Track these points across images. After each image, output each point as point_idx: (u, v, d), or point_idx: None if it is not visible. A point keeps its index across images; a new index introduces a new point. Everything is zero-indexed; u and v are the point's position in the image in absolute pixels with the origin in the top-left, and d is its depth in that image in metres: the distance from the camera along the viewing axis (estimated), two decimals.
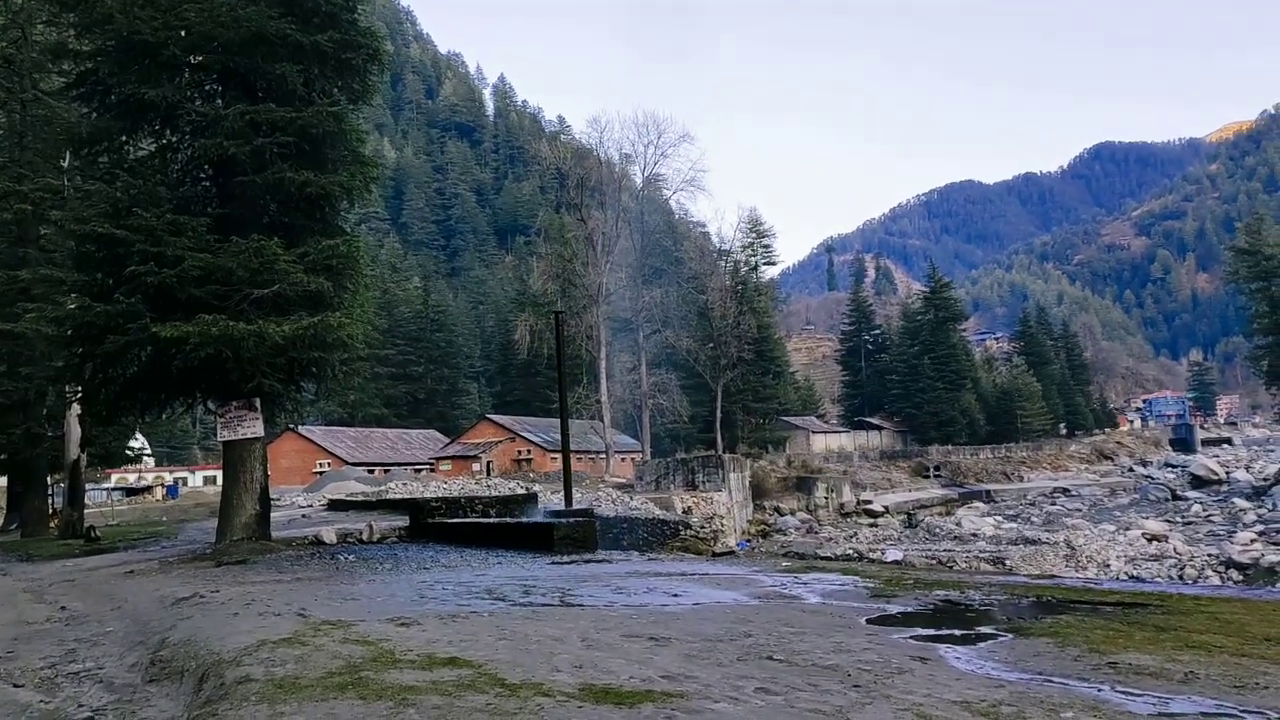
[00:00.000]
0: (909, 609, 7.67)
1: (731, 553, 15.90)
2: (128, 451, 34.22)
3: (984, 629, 6.53)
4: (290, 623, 7.47)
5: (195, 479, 77.86)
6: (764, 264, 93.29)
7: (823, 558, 21.89)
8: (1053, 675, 5.12)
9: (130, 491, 57.79)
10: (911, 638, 6.37)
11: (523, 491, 27.35)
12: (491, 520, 17.10)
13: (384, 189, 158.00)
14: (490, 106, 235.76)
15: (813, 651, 5.88)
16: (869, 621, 7.15)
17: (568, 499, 17.48)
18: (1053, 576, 14.52)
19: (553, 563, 12.53)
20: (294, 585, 10.62)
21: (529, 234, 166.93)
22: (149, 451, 60.46)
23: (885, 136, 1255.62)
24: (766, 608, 8.00)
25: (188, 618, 8.30)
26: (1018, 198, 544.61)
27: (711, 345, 72.57)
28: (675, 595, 8.87)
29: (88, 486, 35.64)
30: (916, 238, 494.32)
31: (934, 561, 33.72)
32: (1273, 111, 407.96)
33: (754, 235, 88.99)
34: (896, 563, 32.72)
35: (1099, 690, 4.80)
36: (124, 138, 16.59)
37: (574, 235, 69.53)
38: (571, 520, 14.98)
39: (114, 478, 64.06)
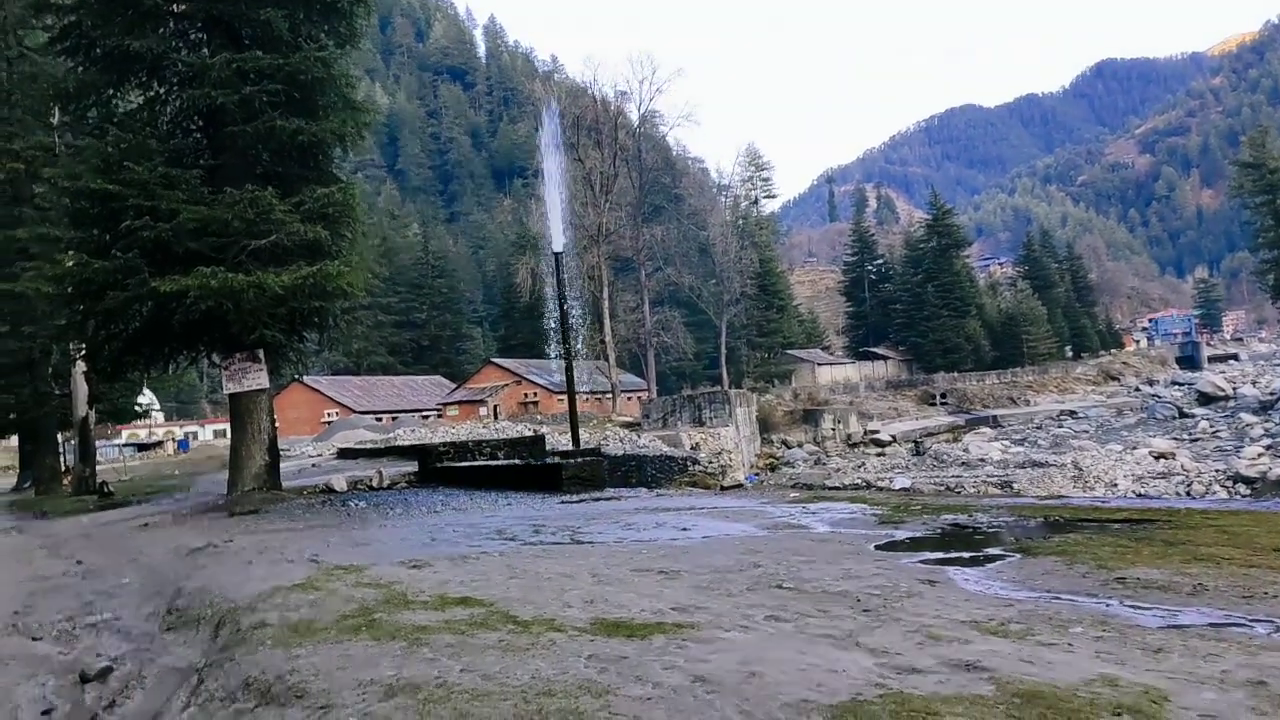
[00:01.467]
0: (917, 534, 7.71)
1: (740, 486, 15.98)
2: (136, 407, 34.26)
3: (992, 550, 6.56)
4: (304, 569, 7.54)
5: (205, 433, 78.32)
6: (764, 197, 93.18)
7: (831, 488, 21.98)
8: (1060, 592, 5.15)
9: (142, 447, 58.15)
10: (920, 562, 6.41)
11: (530, 434, 27.45)
12: (499, 462, 17.18)
13: (378, 136, 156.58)
14: (482, 48, 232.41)
15: (821, 578, 5.92)
16: (877, 548, 7.20)
17: (575, 439, 17.53)
18: (1060, 496, 14.61)
19: (562, 502, 12.61)
20: (306, 532, 10.71)
21: (526, 176, 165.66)
22: (158, 407, 60.66)
23: (882, 63, 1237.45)
24: (775, 538, 8.04)
25: (202, 567, 8.38)
26: (1019, 120, 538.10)
27: (714, 281, 72.36)
28: (684, 529, 8.92)
29: (99, 443, 35.90)
30: (917, 165, 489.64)
31: (942, 488, 33.90)
32: (1276, 21, 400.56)
33: (753, 169, 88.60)
34: (905, 490, 32.89)
35: (1107, 605, 4.82)
36: (111, 91, 16.30)
37: (572, 175, 68.94)
38: (579, 460, 15.05)
39: (125, 434, 64.41)
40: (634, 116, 67.47)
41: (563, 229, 18.38)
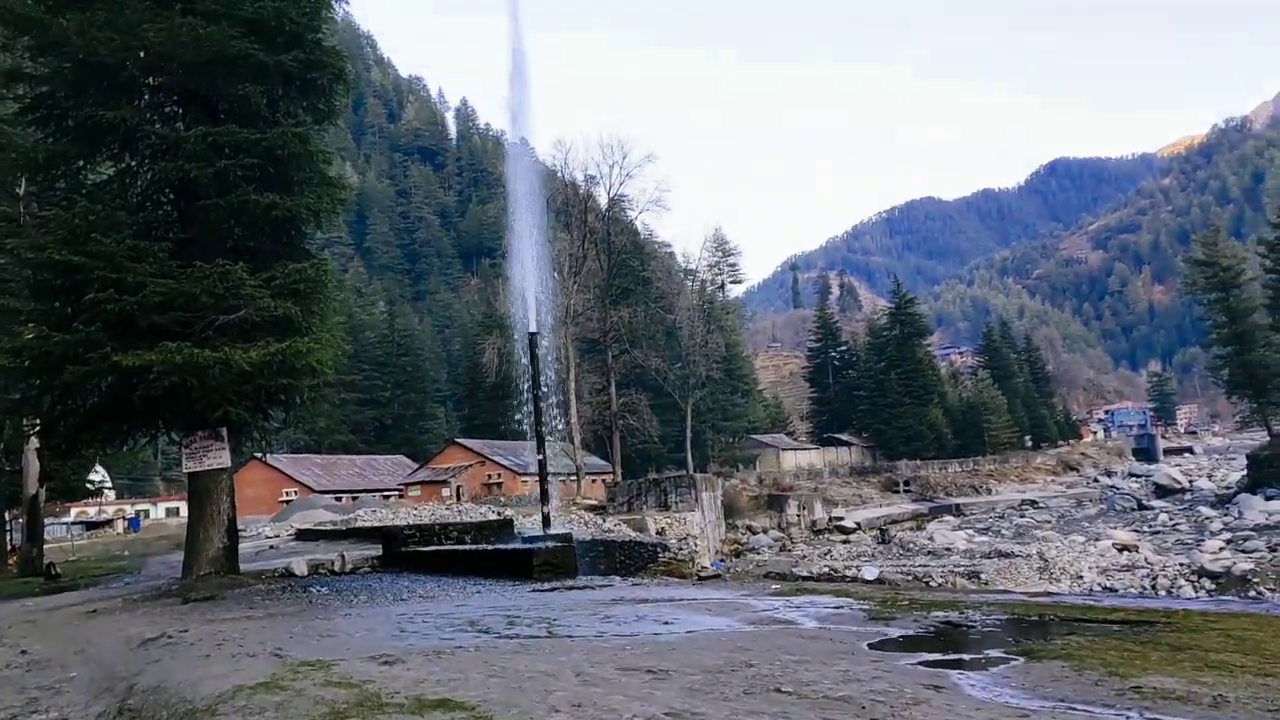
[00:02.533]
0: (909, 632, 7.44)
1: (718, 576, 15.62)
2: (88, 485, 33.33)
3: (992, 652, 6.31)
4: (266, 664, 7.10)
5: (157, 511, 76.32)
6: (730, 282, 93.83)
7: (802, 577, 21.67)
8: (1075, 702, 4.90)
9: (90, 525, 56.45)
10: (919, 664, 6.14)
11: (497, 517, 26.91)
12: (467, 547, 16.71)
13: (348, 214, 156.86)
14: (453, 130, 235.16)
15: (820, 682, 5.63)
16: (871, 646, 6.92)
17: (545, 523, 17.12)
18: (1051, 594, 14.38)
19: (534, 590, 12.20)
20: (266, 622, 10.21)
21: (494, 257, 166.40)
22: (109, 484, 59.11)
23: (846, 154, 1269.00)
24: (763, 634, 7.74)
25: (156, 660, 7.90)
26: (977, 214, 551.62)
27: (680, 364, 72.45)
28: (666, 623, 8.59)
29: (46, 521, 34.70)
30: (879, 254, 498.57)
31: (910, 577, 33.61)
32: (1222, 125, 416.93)
33: (720, 254, 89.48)
34: (880, 582, 32.57)
35: (1127, 717, 4.58)
36: (82, 162, 16.08)
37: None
38: (550, 545, 14.65)
39: (74, 511, 62.60)
40: (603, 200, 68.17)
41: (536, 309, 18.21)
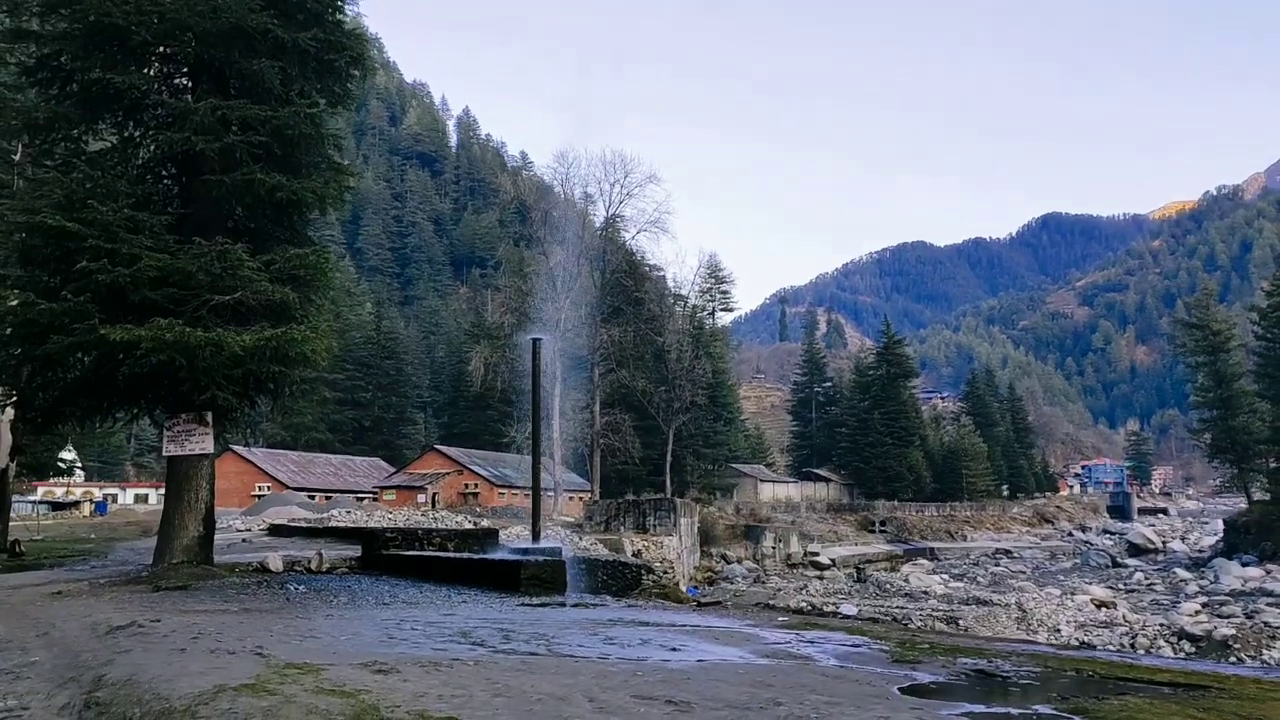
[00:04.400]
0: (940, 678, 6.94)
1: (719, 604, 15.10)
2: (60, 463, 32.47)
3: (1042, 709, 5.82)
4: (248, 664, 6.54)
5: (126, 496, 75.03)
6: (721, 310, 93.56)
7: (791, 609, 21.11)
8: None
9: (57, 506, 55.22)
10: (965, 715, 5.64)
11: (483, 526, 26.26)
12: (451, 555, 16.11)
13: (342, 212, 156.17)
14: (453, 138, 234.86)
15: None
16: (902, 691, 6.41)
17: (535, 535, 16.55)
18: (1083, 646, 13.92)
19: (523, 604, 11.64)
20: (243, 617, 9.63)
21: (485, 266, 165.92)
22: (80, 465, 57.95)
23: (841, 194, 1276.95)
24: (780, 669, 7.22)
25: (126, 651, 7.31)
26: (967, 261, 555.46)
27: (665, 388, 71.94)
28: (674, 649, 8.06)
29: (12, 498, 33.81)
30: (867, 294, 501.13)
31: (889, 619, 33.12)
32: (1214, 193, 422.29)
33: (713, 281, 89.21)
34: (851, 617, 32.11)
35: None
36: (83, 127, 15.50)
37: (534, 270, 68.84)
38: (540, 560, 14.08)
39: (40, 490, 61.36)
40: (600, 217, 67.84)
41: (531, 320, 17.76)
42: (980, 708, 5.89)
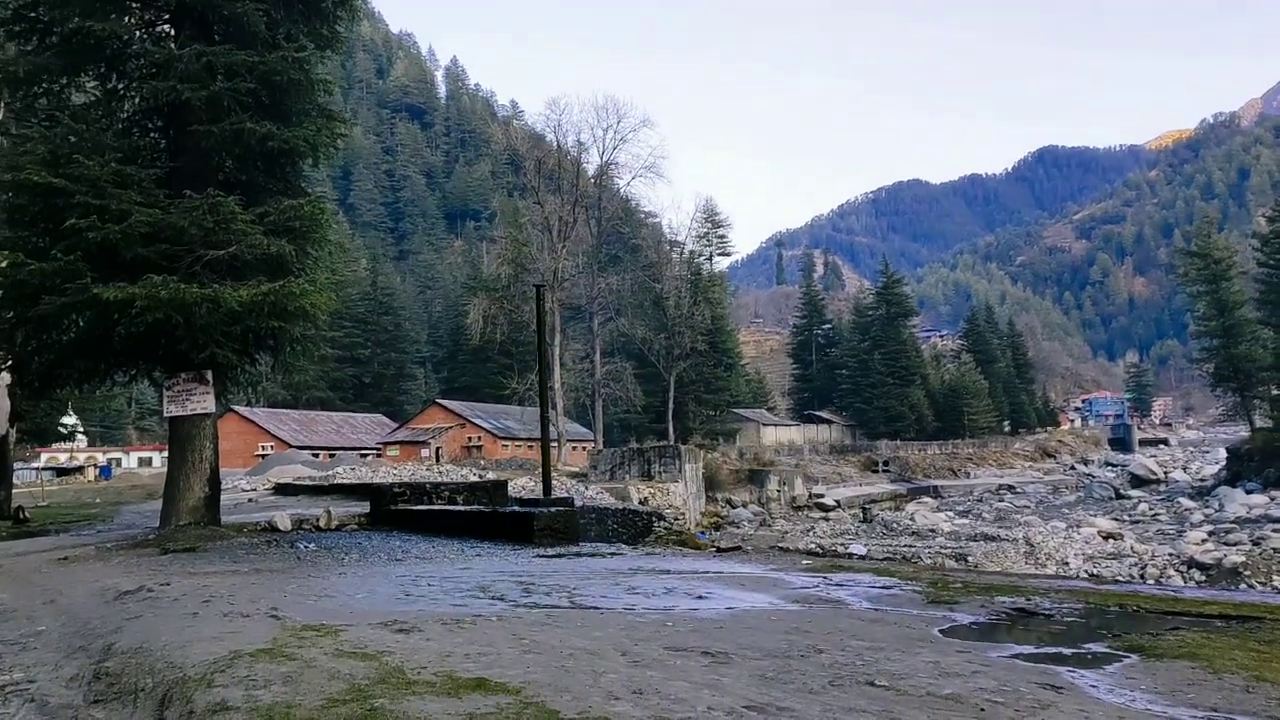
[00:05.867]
0: (979, 619, 6.70)
1: (738, 548, 14.90)
2: (60, 428, 32.20)
3: (1094, 647, 5.57)
4: (264, 626, 6.29)
5: (129, 460, 75.02)
6: (718, 255, 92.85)
7: (806, 552, 20.99)
8: (1233, 712, 4.16)
9: (61, 471, 55.11)
10: (1015, 657, 5.39)
11: (491, 478, 26.09)
12: (461, 508, 15.90)
13: (332, 168, 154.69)
14: (442, 89, 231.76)
15: (912, 675, 4.87)
16: (943, 633, 6.17)
17: (546, 486, 16.33)
18: (1119, 580, 13.74)
19: (538, 555, 11.43)
20: (255, 578, 9.39)
21: (480, 219, 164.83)
22: (82, 429, 57.74)
23: (833, 134, 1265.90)
24: (815, 615, 6.98)
25: (136, 617, 7.06)
26: (963, 198, 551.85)
27: (665, 335, 71.65)
28: (700, 597, 7.82)
29: (15, 465, 33.62)
30: (864, 235, 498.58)
31: (898, 557, 33.14)
32: (1211, 121, 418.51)
33: (709, 225, 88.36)
34: (862, 557, 32.11)
35: None
36: (65, 79, 14.98)
37: (529, 220, 68.18)
38: (553, 510, 13.87)
39: (44, 457, 61.25)
40: (594, 165, 66.97)
41: (528, 270, 17.34)
42: (1029, 648, 5.65)
